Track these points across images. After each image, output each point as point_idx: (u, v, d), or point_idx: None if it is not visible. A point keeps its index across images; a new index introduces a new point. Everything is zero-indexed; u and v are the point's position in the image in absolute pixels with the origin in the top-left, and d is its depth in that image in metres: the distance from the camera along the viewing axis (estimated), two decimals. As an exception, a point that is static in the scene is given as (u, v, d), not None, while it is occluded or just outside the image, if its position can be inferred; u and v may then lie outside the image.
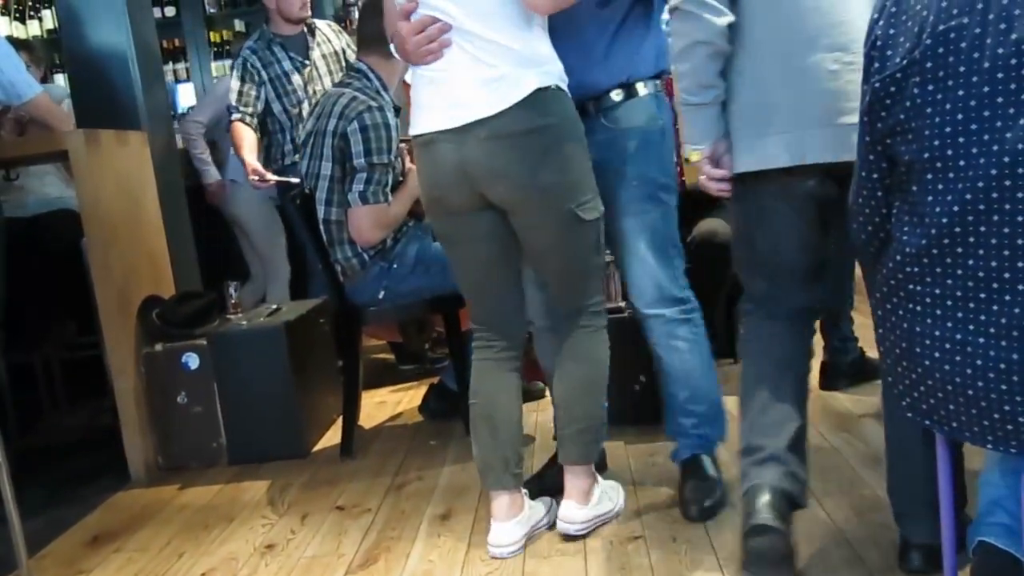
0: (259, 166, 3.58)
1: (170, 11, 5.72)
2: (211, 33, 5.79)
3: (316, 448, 3.09)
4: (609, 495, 2.23)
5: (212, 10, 5.75)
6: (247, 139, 3.70)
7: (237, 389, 2.98)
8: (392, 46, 2.00)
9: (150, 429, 2.99)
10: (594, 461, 2.21)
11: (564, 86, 1.94)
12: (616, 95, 2.14)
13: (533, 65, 1.88)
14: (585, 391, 2.14)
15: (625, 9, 2.12)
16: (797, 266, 1.84)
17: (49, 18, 5.71)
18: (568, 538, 2.13)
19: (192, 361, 2.97)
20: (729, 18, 1.73)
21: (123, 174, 3.07)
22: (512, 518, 2.12)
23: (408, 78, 2.12)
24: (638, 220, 2.18)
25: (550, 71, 1.91)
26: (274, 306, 3.27)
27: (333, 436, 3.12)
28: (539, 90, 1.87)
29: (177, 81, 5.86)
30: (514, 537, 2.10)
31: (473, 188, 1.95)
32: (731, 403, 3.00)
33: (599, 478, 2.23)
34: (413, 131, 2.00)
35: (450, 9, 1.88)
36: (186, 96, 5.86)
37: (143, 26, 3.43)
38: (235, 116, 3.76)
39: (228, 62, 5.73)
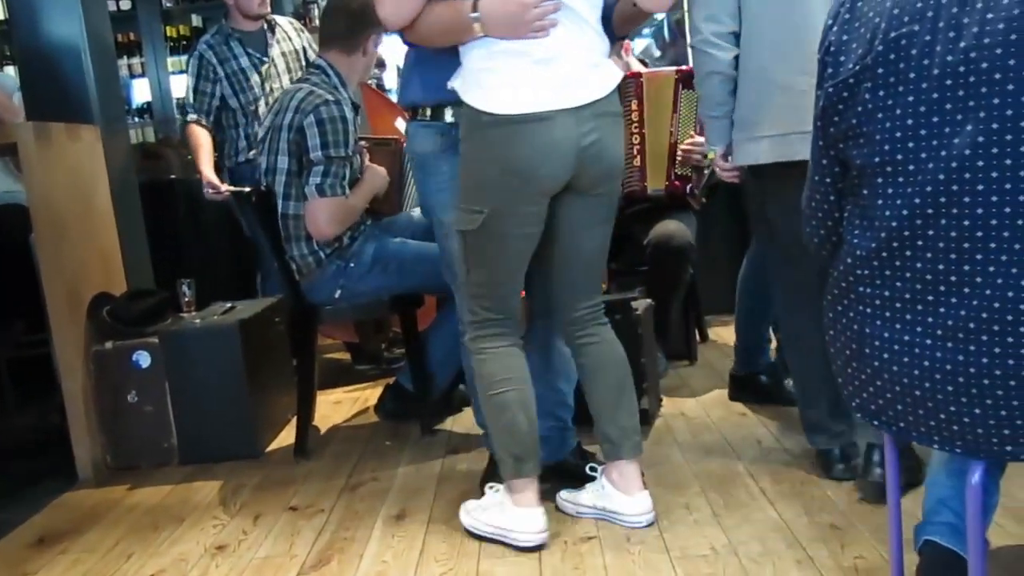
0: (215, 178, 3.57)
1: (125, 4, 5.63)
2: (167, 28, 5.71)
3: (270, 448, 3.06)
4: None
5: (169, 4, 5.67)
6: (204, 146, 3.70)
7: (189, 388, 2.94)
8: (477, 15, 1.91)
9: (99, 429, 2.93)
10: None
11: None
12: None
13: (608, 56, 2.05)
14: (629, 381, 2.22)
15: None
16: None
17: (0, 9, 5.59)
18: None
19: (143, 359, 2.93)
20: (734, 52, 2.23)
21: (74, 169, 3.01)
22: (541, 504, 2.14)
23: (481, 59, 1.96)
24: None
25: None
26: (228, 304, 3.23)
27: (287, 436, 3.09)
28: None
29: (132, 76, 5.77)
30: (547, 523, 2.12)
31: (577, 166, 1.99)
32: (687, 404, 3.05)
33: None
34: (513, 109, 1.92)
35: None
36: (141, 91, 5.78)
37: (97, 19, 3.37)
38: (191, 117, 3.74)
39: (184, 57, 5.65)
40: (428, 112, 2.18)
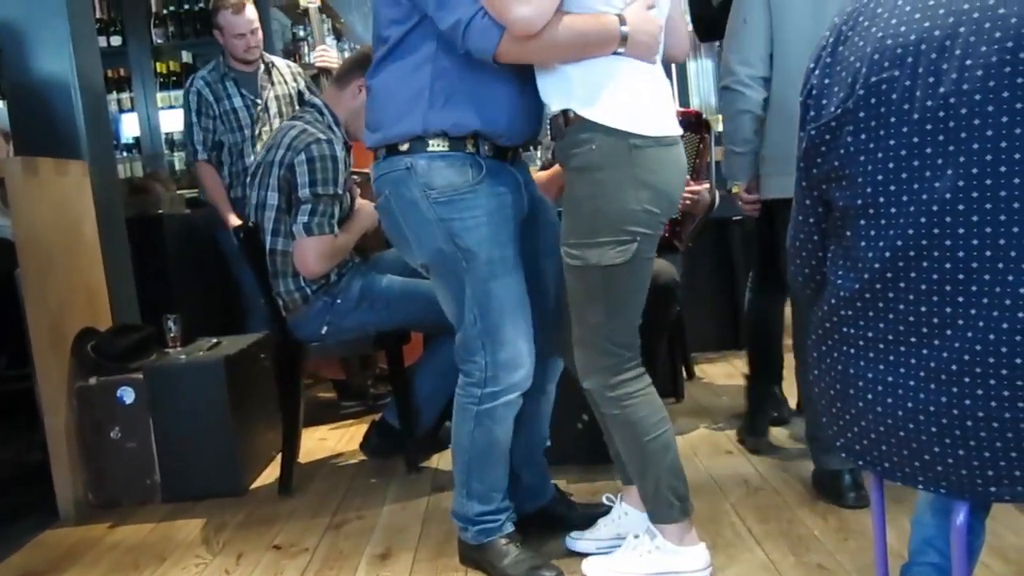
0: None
1: (116, 40, 5.65)
2: (157, 64, 5.74)
3: (254, 486, 3.03)
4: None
5: (159, 41, 5.70)
6: (222, 190, 3.77)
7: (173, 424, 2.91)
8: (627, 29, 1.83)
9: (81, 465, 2.90)
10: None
11: None
12: None
13: None
14: None
15: None
16: None
17: (-10, 44, 5.60)
18: None
19: (127, 395, 2.91)
20: (764, 94, 2.46)
21: (61, 204, 3.01)
22: None
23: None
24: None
25: None
26: (214, 340, 3.22)
27: (272, 473, 3.07)
28: None
29: (121, 111, 5.79)
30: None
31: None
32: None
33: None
34: (655, 131, 1.86)
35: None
36: (130, 126, 5.78)
37: (87, 55, 3.38)
38: (201, 157, 3.79)
39: (174, 92, 5.68)
40: (446, 144, 1.98)
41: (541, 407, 2.32)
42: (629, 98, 1.85)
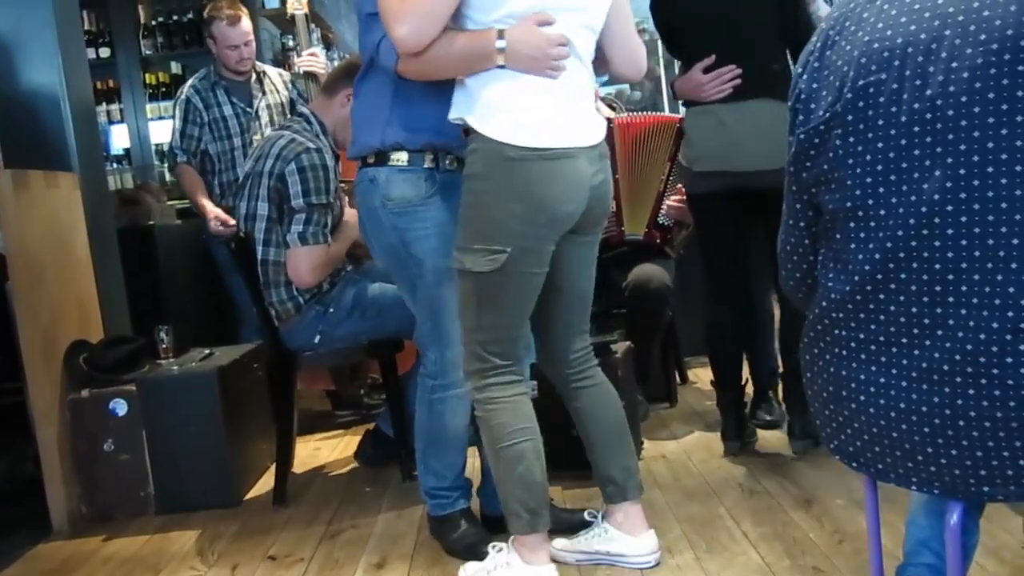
0: (220, 211, 3.58)
1: (105, 52, 5.65)
2: (146, 75, 5.73)
3: (248, 496, 3.02)
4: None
5: (148, 52, 5.70)
6: (199, 184, 3.77)
7: (166, 436, 2.90)
8: (503, 44, 1.88)
9: (74, 478, 2.89)
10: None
11: None
12: None
13: None
14: (625, 424, 2.22)
15: None
16: None
17: (-22, 57, 5.59)
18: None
19: (120, 407, 2.90)
20: None
21: (52, 216, 3.00)
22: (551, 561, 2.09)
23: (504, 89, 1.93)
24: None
25: None
26: (206, 351, 3.21)
27: (266, 484, 3.06)
28: None
29: (111, 122, 5.78)
30: None
31: (587, 205, 1.99)
32: (667, 447, 3.05)
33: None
34: (542, 143, 1.89)
35: (575, 40, 1.95)
36: (120, 137, 5.77)
37: (76, 66, 3.38)
38: (181, 159, 3.81)
39: (164, 103, 5.67)
40: (405, 157, 2.14)
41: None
42: (511, 110, 1.90)
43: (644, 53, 2.15)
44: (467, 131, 1.99)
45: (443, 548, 2.34)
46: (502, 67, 1.89)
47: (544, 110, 1.92)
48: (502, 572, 2.05)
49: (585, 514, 2.30)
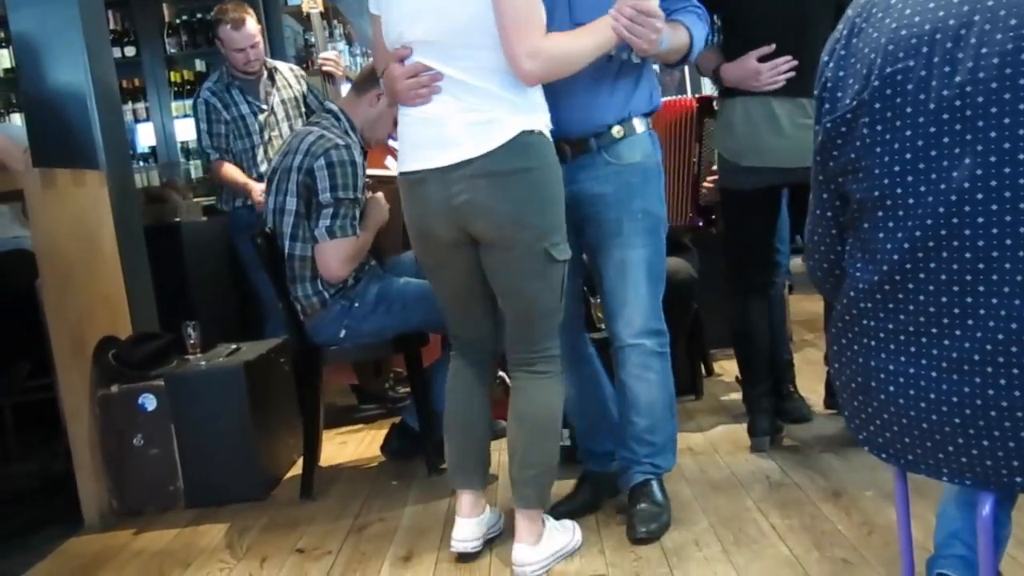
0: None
1: (130, 51, 5.70)
2: (171, 73, 5.78)
3: (276, 490, 3.05)
4: (558, 530, 2.24)
5: (173, 50, 5.74)
6: (238, 170, 3.84)
7: (195, 430, 2.93)
8: (382, 82, 2.13)
9: (105, 473, 2.92)
10: (546, 505, 2.24)
11: (548, 133, 2.06)
12: (617, 131, 2.26)
13: (523, 112, 2.02)
14: (540, 437, 2.18)
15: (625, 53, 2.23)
16: None
17: (6, 57, 5.66)
18: None
19: (149, 402, 2.93)
20: None
21: (79, 214, 3.03)
22: (475, 516, 2.25)
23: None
24: (640, 252, 2.28)
25: (538, 119, 2.04)
26: (233, 346, 3.23)
27: (293, 478, 3.08)
28: (524, 132, 1.99)
29: (136, 121, 5.83)
30: (476, 534, 2.25)
31: (457, 224, 2.05)
32: (693, 439, 3.04)
33: (547, 517, 2.25)
34: (402, 168, 2.10)
35: (442, 68, 2.01)
36: (146, 135, 5.82)
37: (102, 65, 3.41)
38: (214, 157, 3.86)
39: (189, 101, 5.71)
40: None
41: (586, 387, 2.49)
42: (398, 139, 2.20)
43: (524, 48, 2.00)
44: None
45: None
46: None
47: (405, 136, 2.13)
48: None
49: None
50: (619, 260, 2.28)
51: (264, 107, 3.87)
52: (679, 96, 3.81)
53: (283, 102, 3.92)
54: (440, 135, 2.02)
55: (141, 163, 5.77)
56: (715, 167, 3.18)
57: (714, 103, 3.19)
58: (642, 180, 2.28)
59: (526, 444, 2.17)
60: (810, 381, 3.23)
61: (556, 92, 2.13)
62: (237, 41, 3.80)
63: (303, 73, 4.14)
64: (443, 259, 2.16)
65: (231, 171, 3.86)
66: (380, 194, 2.99)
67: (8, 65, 5.65)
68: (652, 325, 2.30)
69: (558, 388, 2.20)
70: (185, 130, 5.77)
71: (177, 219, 4.22)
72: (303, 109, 3.93)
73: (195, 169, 5.71)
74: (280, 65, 4.07)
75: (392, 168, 3.08)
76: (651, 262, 2.29)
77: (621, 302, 2.29)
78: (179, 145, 5.75)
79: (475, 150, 1.99)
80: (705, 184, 3.28)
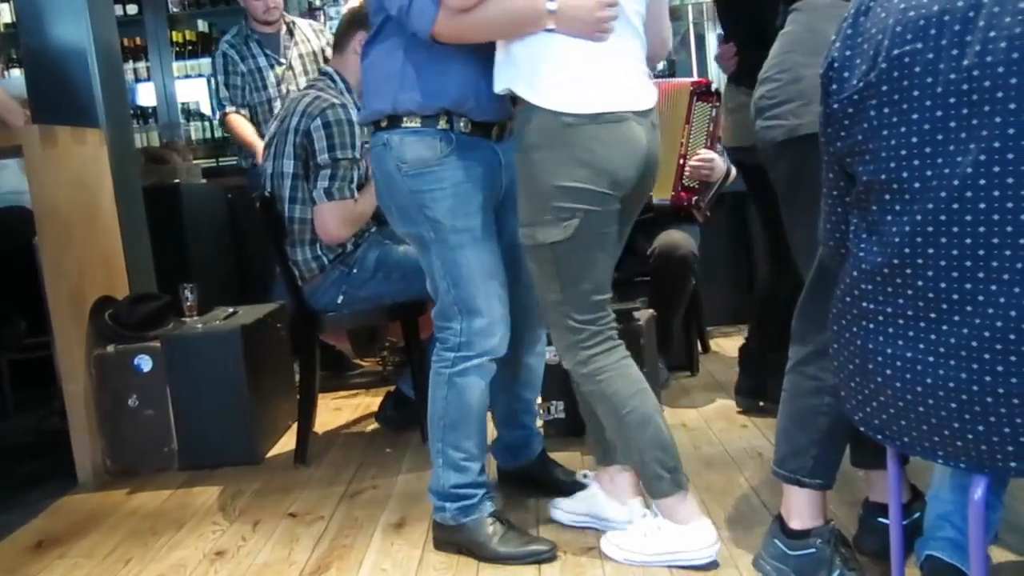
0: None
1: (132, 9, 5.65)
2: (173, 33, 5.73)
3: (270, 454, 3.06)
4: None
5: (175, 9, 5.69)
6: (251, 128, 3.83)
7: (190, 393, 2.94)
8: (555, 6, 1.85)
9: (99, 432, 2.93)
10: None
11: None
12: None
13: None
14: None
15: None
16: None
17: (7, 12, 5.61)
18: None
19: (145, 363, 2.93)
20: None
21: (79, 172, 3.02)
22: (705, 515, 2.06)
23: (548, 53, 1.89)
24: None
25: None
26: (230, 309, 3.23)
27: (287, 442, 3.09)
28: None
29: (137, 80, 5.79)
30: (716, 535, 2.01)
31: (641, 171, 1.95)
32: (688, 415, 3.05)
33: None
34: (591, 109, 1.86)
35: (626, 4, 1.92)
36: (146, 95, 5.79)
37: (103, 23, 3.38)
38: (229, 109, 3.89)
39: (190, 62, 5.68)
40: (418, 120, 2.04)
41: (520, 374, 2.38)
42: (564, 77, 1.87)
43: (671, 35, 2.11)
44: (515, 101, 1.96)
45: (479, 557, 2.10)
46: (550, 30, 1.85)
47: (594, 75, 1.88)
48: (657, 538, 2.00)
49: (580, 474, 2.36)
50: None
51: (282, 61, 3.89)
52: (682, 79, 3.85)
53: (301, 56, 3.93)
54: (634, 77, 1.94)
55: (141, 123, 5.74)
56: (701, 150, 3.24)
57: (715, 89, 3.25)
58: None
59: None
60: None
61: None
62: None
63: (323, 27, 4.15)
64: (613, 217, 1.96)
65: (239, 126, 3.86)
66: None
67: (9, 20, 5.60)
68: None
69: None
70: (186, 91, 5.74)
71: (177, 180, 4.21)
72: (321, 64, 3.92)
73: (196, 131, 5.68)
74: (299, 21, 4.11)
75: None
76: None
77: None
78: (180, 106, 5.72)
79: (654, 98, 1.96)
80: (691, 163, 3.29)
